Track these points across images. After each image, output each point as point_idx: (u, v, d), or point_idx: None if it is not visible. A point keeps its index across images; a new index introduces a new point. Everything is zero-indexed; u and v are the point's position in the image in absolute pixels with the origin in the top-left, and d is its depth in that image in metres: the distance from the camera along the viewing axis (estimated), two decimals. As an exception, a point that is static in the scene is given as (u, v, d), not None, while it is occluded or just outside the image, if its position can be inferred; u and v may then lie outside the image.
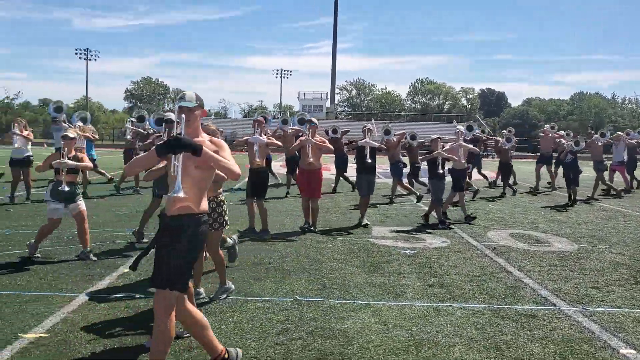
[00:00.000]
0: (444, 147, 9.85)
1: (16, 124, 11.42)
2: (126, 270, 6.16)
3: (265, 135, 8.59)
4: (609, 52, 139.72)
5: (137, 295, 5.25)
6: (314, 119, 9.38)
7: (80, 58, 74.72)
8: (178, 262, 3.40)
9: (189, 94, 3.50)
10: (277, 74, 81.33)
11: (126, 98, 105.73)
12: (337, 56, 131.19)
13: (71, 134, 6.75)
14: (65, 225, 8.45)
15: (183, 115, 3.39)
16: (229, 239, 6.38)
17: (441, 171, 9.48)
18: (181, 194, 3.30)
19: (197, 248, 3.50)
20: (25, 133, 11.39)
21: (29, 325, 4.44)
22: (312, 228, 8.71)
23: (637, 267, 6.86)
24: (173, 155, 3.34)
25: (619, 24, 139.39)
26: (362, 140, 9.50)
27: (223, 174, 3.73)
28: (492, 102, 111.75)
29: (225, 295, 5.24)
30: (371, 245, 7.83)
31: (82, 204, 6.76)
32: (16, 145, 11.30)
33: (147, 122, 13.49)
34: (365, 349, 4.13)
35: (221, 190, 5.26)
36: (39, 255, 6.62)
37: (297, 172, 10.33)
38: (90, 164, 6.89)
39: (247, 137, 8.61)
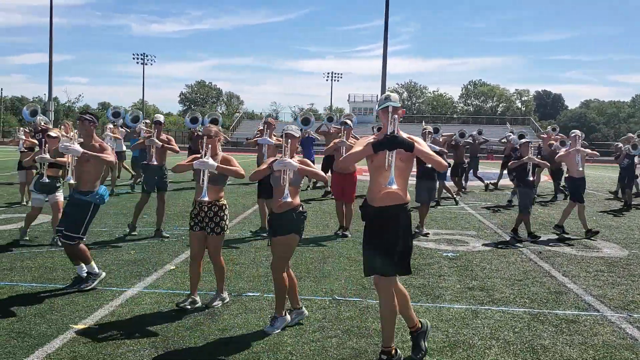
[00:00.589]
0: (558, 152, 9.26)
1: (21, 129, 11.45)
2: (172, 267, 6.40)
3: (275, 136, 8.78)
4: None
5: (180, 291, 5.45)
6: (349, 121, 9.41)
7: (137, 62, 77.39)
8: (402, 248, 3.83)
9: (393, 95, 3.89)
10: (327, 76, 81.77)
11: (181, 101, 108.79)
12: (390, 58, 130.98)
13: (53, 133, 7.50)
14: (117, 223, 8.85)
15: (396, 115, 3.70)
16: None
17: (531, 178, 8.49)
18: (395, 186, 3.62)
19: (410, 234, 3.94)
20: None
21: (79, 316, 4.69)
22: (346, 233, 8.54)
23: (691, 275, 6.59)
24: (387, 151, 3.68)
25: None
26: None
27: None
28: (548, 104, 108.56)
29: (220, 304, 5.05)
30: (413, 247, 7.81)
31: (60, 196, 7.48)
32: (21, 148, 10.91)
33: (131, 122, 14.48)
34: (400, 349, 4.17)
35: (222, 194, 5.16)
36: (27, 238, 7.50)
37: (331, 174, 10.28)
38: (64, 159, 6.51)
39: (257, 139, 8.86)
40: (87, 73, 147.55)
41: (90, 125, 5.59)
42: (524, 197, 8.59)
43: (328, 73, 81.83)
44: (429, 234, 8.80)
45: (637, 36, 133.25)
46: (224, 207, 5.11)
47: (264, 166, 4.65)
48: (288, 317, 4.59)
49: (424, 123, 16.16)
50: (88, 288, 5.43)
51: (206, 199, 4.87)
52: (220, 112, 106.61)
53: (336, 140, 8.90)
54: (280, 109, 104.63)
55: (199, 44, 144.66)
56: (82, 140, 5.56)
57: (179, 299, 5.10)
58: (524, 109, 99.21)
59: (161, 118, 8.61)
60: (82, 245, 5.56)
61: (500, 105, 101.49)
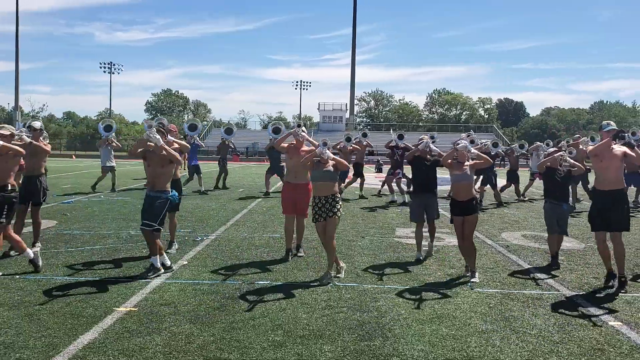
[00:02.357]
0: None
1: None
2: (185, 262, 7.13)
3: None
4: (630, 60, 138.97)
5: (200, 281, 6.21)
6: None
7: (104, 72, 76.96)
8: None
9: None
10: (296, 85, 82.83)
11: (147, 110, 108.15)
12: (357, 67, 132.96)
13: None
14: (120, 226, 9.50)
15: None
16: None
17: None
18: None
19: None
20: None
21: (118, 301, 5.41)
22: (301, 251, 7.76)
23: (637, 263, 7.65)
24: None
25: (636, 32, 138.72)
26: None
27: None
28: (510, 112, 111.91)
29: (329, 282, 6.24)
30: (396, 243, 8.73)
31: None
32: None
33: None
34: (396, 320, 5.03)
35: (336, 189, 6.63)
36: None
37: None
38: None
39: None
40: (50, 82, 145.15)
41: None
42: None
43: (297, 81, 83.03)
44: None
45: (596, 46, 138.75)
46: (336, 197, 6.59)
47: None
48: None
49: (391, 130, 17.13)
50: (153, 276, 6.37)
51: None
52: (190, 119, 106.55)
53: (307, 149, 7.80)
54: (248, 117, 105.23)
55: (166, 52, 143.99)
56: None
57: (226, 286, 5.86)
58: (486, 116, 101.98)
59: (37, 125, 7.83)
60: (157, 240, 6.54)
61: (464, 113, 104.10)
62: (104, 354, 4.14)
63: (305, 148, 7.66)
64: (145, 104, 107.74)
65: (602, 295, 6.01)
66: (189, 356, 4.14)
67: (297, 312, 5.20)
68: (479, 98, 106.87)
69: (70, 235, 8.85)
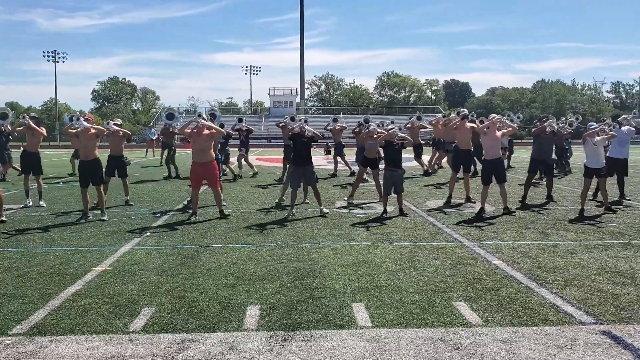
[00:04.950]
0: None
1: None
2: (148, 233, 8.20)
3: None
4: (571, 40, 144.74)
5: (163, 247, 7.30)
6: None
7: (48, 60, 75.26)
8: None
9: None
10: (246, 70, 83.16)
11: (93, 98, 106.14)
12: (307, 51, 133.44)
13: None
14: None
15: None
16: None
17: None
18: None
19: None
20: None
21: (94, 263, 6.46)
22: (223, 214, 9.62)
23: (541, 221, 9.16)
24: None
25: (579, 12, 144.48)
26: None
27: None
28: (457, 93, 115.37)
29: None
30: (333, 213, 9.99)
31: None
32: None
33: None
34: (325, 266, 6.28)
35: None
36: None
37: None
38: None
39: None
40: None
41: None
42: None
43: (246, 66, 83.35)
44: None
45: (540, 27, 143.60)
46: None
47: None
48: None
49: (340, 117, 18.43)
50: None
51: None
52: (135, 108, 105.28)
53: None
54: (198, 103, 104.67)
55: (112, 39, 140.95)
56: None
57: (178, 250, 6.97)
58: (434, 98, 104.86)
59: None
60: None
61: (412, 95, 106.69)
62: (89, 298, 5.22)
63: (206, 132, 9.46)
64: (92, 93, 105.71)
65: (491, 243, 7.44)
66: (159, 296, 5.26)
67: (246, 264, 6.39)
68: (426, 80, 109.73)
69: (39, 217, 9.73)
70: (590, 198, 10.88)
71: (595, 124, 10.79)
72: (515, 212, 9.81)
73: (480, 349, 4.01)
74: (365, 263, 6.41)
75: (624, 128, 10.84)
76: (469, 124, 11.37)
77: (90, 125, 9.67)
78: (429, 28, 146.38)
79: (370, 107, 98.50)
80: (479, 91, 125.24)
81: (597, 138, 9.71)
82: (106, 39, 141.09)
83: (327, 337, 4.25)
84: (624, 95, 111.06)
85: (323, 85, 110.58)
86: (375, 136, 10.90)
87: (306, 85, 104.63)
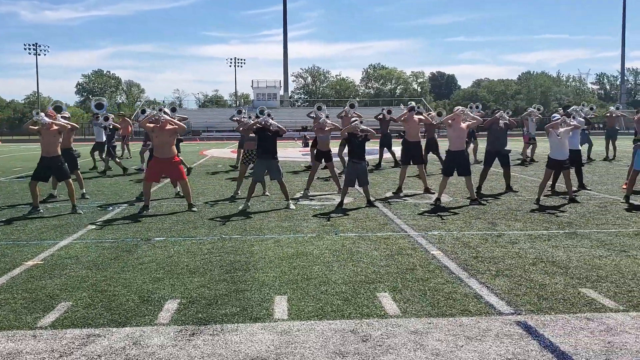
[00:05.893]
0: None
1: None
2: (93, 226, 8.06)
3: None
4: (556, 31, 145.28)
5: (104, 240, 7.18)
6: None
7: (29, 53, 74.27)
8: None
9: None
10: (231, 62, 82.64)
11: (78, 92, 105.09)
12: (295, 43, 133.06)
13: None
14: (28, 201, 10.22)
15: None
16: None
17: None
18: None
19: None
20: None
21: (28, 257, 6.32)
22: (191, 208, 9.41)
23: (493, 212, 9.12)
24: None
25: (566, 3, 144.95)
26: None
27: None
28: (443, 85, 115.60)
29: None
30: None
31: None
32: None
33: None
34: (262, 258, 6.19)
35: None
36: None
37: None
38: None
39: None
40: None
41: None
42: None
43: (231, 59, 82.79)
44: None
45: (527, 17, 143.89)
46: None
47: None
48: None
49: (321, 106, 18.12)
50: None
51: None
52: (121, 101, 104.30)
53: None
54: (183, 96, 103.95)
55: (96, 31, 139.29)
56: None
57: (111, 244, 6.85)
58: (420, 90, 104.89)
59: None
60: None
61: (399, 87, 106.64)
62: (8, 292, 5.09)
63: (169, 127, 9.32)
64: (76, 86, 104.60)
65: (436, 233, 7.39)
66: (80, 291, 5.14)
67: (181, 258, 6.28)
68: (412, 72, 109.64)
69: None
70: (549, 189, 10.86)
71: (558, 115, 10.78)
72: (485, 203, 9.75)
73: (389, 340, 3.95)
74: (303, 255, 6.33)
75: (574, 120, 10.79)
76: (417, 116, 11.37)
77: (51, 120, 9.41)
78: (417, 20, 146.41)
79: (357, 99, 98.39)
80: (465, 83, 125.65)
81: (561, 130, 9.66)
82: (91, 32, 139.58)
83: (237, 330, 4.16)
84: (608, 87, 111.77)
85: (309, 77, 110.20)
86: (327, 128, 10.83)
87: (292, 78, 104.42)
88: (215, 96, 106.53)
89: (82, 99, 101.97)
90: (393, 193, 11.06)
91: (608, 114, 17.92)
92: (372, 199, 9.89)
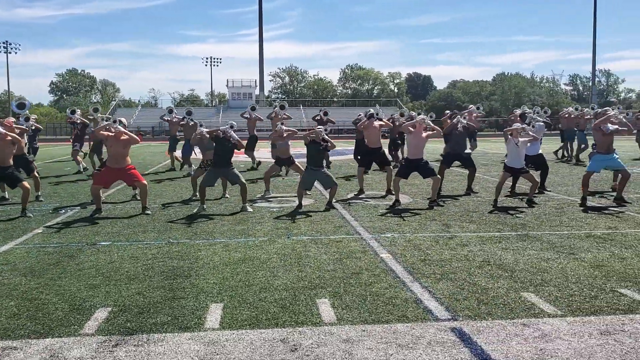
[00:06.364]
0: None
1: None
2: (40, 230, 7.82)
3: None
4: (530, 33, 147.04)
5: (48, 245, 6.94)
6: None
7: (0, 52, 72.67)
8: None
9: None
10: (206, 61, 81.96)
11: (51, 91, 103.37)
12: (274, 43, 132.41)
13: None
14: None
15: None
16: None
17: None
18: None
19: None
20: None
21: (-39, 264, 6.07)
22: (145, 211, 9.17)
23: (450, 213, 9.08)
24: None
25: (541, 5, 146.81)
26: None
27: None
28: (419, 86, 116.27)
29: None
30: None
31: None
32: None
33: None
34: (206, 264, 6.03)
35: None
36: None
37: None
38: None
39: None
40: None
41: None
42: None
43: (207, 58, 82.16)
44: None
45: (502, 19, 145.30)
46: None
47: None
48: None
49: (285, 105, 17.99)
50: None
51: None
52: (96, 100, 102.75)
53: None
54: (159, 95, 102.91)
55: (72, 29, 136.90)
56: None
57: (54, 249, 6.61)
58: (397, 91, 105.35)
59: None
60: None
61: (376, 88, 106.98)
62: None
63: (124, 137, 9.18)
64: (50, 85, 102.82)
65: (389, 235, 7.31)
66: (8, 299, 4.93)
67: (123, 263, 6.09)
68: (389, 73, 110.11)
69: None
70: (509, 190, 10.88)
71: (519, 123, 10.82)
72: (443, 204, 9.69)
73: (318, 349, 3.83)
74: (250, 260, 6.19)
75: (536, 123, 10.83)
76: (377, 123, 11.33)
77: (5, 132, 9.23)
78: (396, 20, 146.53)
79: (335, 99, 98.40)
80: (441, 84, 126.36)
81: (520, 139, 9.65)
82: (66, 30, 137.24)
83: (163, 341, 4.00)
84: (581, 88, 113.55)
85: (287, 77, 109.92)
86: (284, 135, 10.74)
87: (269, 77, 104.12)
88: (191, 95, 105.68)
89: (56, 98, 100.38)
90: (355, 195, 10.98)
91: (567, 115, 18.08)
92: (333, 200, 9.79)
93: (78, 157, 16.20)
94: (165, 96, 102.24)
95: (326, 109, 16.91)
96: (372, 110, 11.83)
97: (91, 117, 16.76)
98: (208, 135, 9.96)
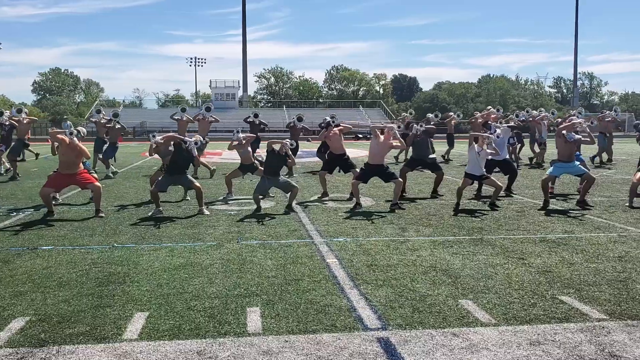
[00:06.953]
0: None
1: None
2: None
3: None
4: (517, 35, 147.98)
5: (40, 248, 6.72)
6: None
7: (-21, 50, 71.70)
8: None
9: None
10: (191, 62, 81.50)
11: (34, 90, 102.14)
12: (261, 43, 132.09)
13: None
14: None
15: None
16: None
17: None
18: None
19: None
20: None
21: None
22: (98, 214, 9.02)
23: (410, 216, 8.94)
24: None
25: (527, 7, 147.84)
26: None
27: None
28: (404, 87, 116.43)
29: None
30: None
31: None
32: None
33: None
34: (145, 269, 5.82)
35: None
36: None
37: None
38: None
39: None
40: None
41: None
42: None
43: (191, 58, 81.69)
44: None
45: (489, 21, 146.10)
46: None
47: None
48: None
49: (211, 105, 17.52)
50: None
51: None
52: (79, 100, 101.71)
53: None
54: (143, 95, 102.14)
55: (57, 29, 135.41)
56: None
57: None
58: (382, 92, 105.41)
59: None
60: None
61: (361, 89, 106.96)
62: None
63: (79, 149, 9.10)
64: (33, 84, 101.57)
65: (341, 240, 7.15)
66: None
67: (59, 269, 5.86)
68: (375, 74, 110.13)
69: None
70: (474, 193, 10.78)
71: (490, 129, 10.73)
72: (404, 208, 9.55)
73: (234, 362, 3.66)
74: (191, 265, 5.99)
75: (498, 131, 10.67)
76: (336, 129, 11.18)
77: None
78: (383, 21, 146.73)
79: (320, 100, 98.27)
80: (427, 86, 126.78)
81: (483, 151, 9.52)
82: (51, 29, 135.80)
83: (74, 353, 3.80)
84: (564, 90, 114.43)
85: (272, 78, 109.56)
86: (244, 142, 10.59)
87: (255, 78, 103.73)
88: (176, 96, 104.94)
89: (39, 97, 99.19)
90: (318, 197, 10.82)
91: (538, 118, 18.05)
92: (293, 203, 9.63)
93: (2, 158, 15.56)
94: (150, 96, 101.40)
95: (311, 110, 16.75)
96: (328, 118, 11.76)
97: (94, 120, 16.44)
98: (163, 142, 9.85)
